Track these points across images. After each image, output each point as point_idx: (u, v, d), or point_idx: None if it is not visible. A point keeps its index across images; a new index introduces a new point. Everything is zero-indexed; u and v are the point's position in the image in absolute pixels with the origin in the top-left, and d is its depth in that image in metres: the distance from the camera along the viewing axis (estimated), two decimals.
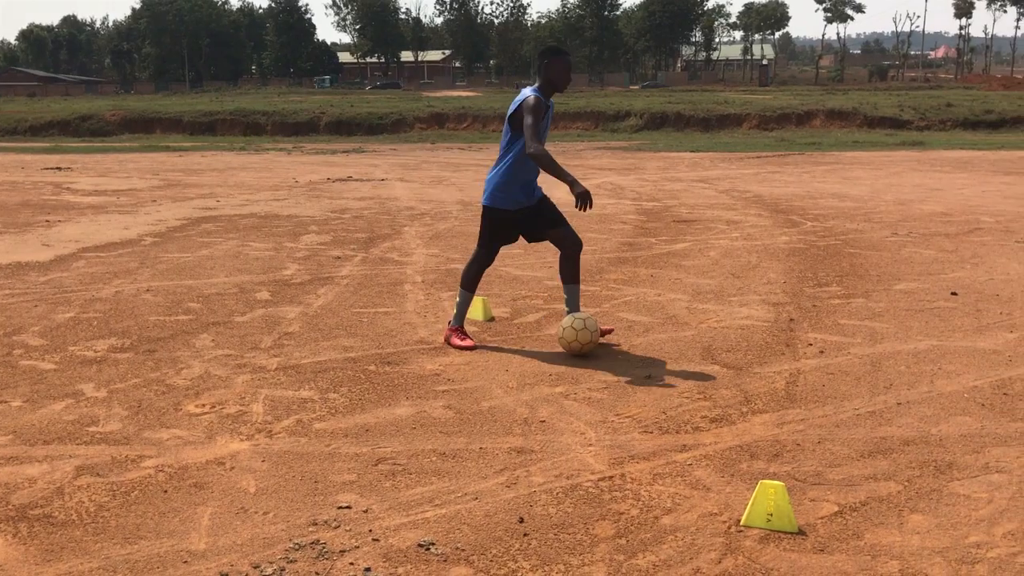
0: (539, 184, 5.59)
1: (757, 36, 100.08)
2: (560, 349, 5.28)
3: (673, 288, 7.08)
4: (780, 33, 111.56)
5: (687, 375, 4.89)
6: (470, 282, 5.53)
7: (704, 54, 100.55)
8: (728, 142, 27.80)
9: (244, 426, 4.14)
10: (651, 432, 4.07)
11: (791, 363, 5.09)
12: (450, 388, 4.68)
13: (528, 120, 5.08)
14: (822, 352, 5.29)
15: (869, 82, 77.53)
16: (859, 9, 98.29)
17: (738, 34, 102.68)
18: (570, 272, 5.53)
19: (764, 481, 3.17)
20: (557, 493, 3.44)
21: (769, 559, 2.95)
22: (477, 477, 3.58)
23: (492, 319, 6.09)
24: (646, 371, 4.96)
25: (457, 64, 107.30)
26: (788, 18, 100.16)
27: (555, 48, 5.40)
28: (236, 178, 16.77)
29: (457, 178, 16.70)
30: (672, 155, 22.85)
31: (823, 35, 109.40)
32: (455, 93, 60.01)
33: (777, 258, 8.33)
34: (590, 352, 5.21)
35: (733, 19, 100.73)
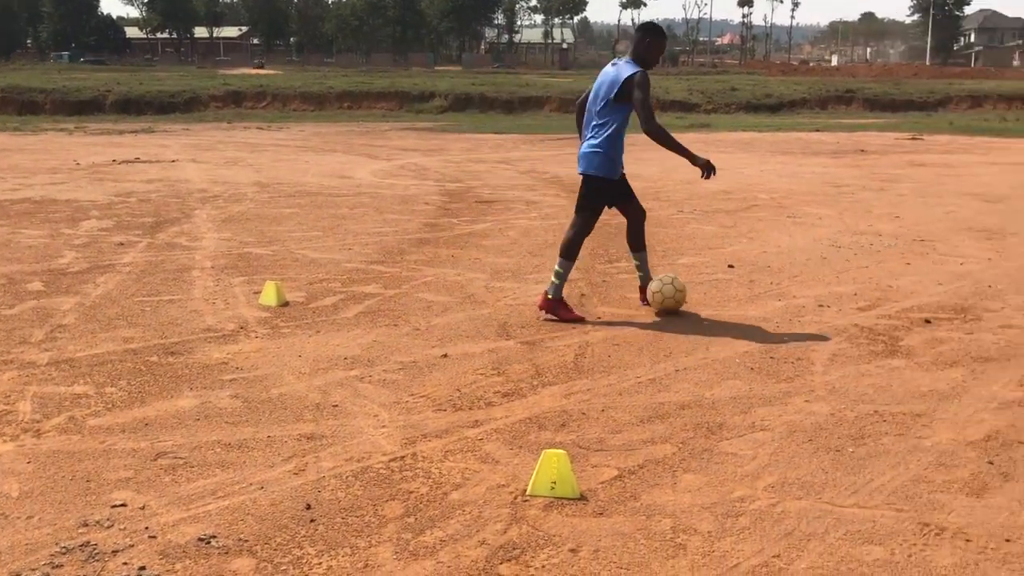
0: None
1: (557, 20, 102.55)
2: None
3: (473, 268, 7.15)
4: (579, 18, 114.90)
5: (482, 352, 4.96)
6: (573, 251, 5.71)
7: (507, 37, 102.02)
8: (530, 124, 28.35)
9: (8, 427, 3.84)
10: (444, 410, 4.10)
11: (581, 336, 5.27)
12: (238, 377, 4.53)
13: (640, 95, 5.33)
14: (609, 324, 5.51)
15: (662, 67, 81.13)
16: None
17: (539, 17, 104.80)
18: (639, 240, 5.94)
19: (547, 450, 3.27)
20: (347, 477, 3.40)
21: (552, 526, 3.05)
22: (264, 466, 3.49)
23: (286, 304, 5.94)
24: (442, 350, 4.99)
25: (255, 41, 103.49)
26: (586, 3, 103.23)
27: (658, 28, 5.65)
28: (8, 160, 15.46)
29: (255, 159, 16.14)
30: (477, 136, 23.05)
31: (619, 20, 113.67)
32: (253, 71, 57.89)
33: None
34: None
35: (534, 2, 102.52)
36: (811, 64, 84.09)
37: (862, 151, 18.33)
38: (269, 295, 5.92)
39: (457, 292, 6.34)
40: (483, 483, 3.36)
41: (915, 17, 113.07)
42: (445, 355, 4.90)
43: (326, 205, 10.47)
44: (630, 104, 5.43)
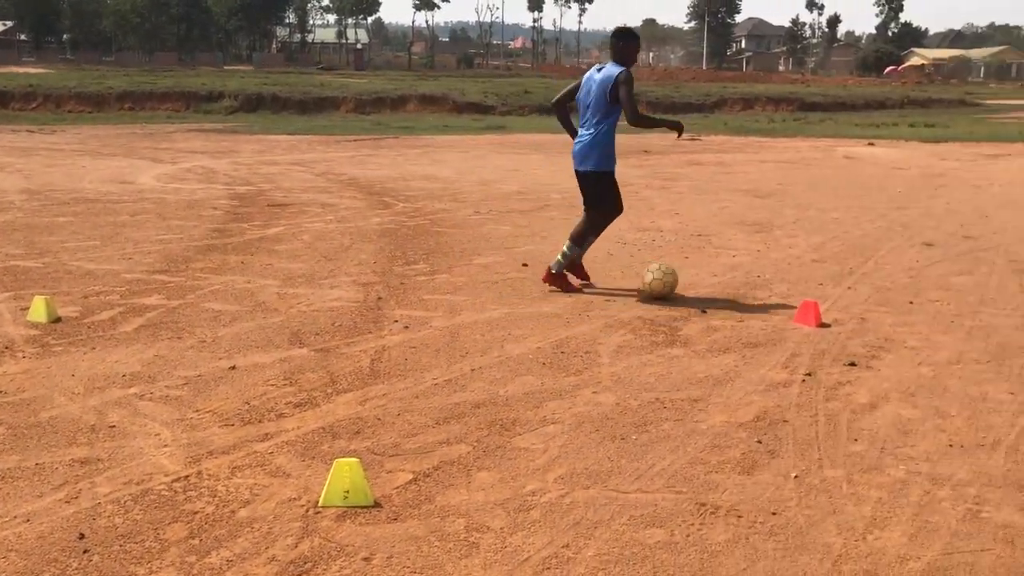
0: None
1: (351, 20, 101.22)
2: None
3: (264, 274, 6.94)
4: (373, 18, 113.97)
5: (273, 362, 4.82)
6: (583, 240, 6.52)
7: (299, 36, 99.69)
8: (326, 125, 27.87)
9: None
10: (232, 424, 3.95)
11: (377, 340, 5.22)
12: (2, 401, 4.17)
13: (625, 92, 6.11)
14: (407, 327, 5.50)
15: (458, 69, 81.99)
16: None
17: (332, 17, 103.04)
18: (580, 236, 6.54)
19: (339, 460, 3.22)
20: (125, 502, 3.21)
21: (345, 535, 3.00)
22: (31, 497, 3.23)
23: (58, 320, 5.53)
24: (230, 362, 4.80)
25: (23, 37, 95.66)
26: (379, 3, 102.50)
27: (631, 32, 6.61)
28: None
29: (24, 164, 14.95)
30: (269, 138, 22.41)
31: (413, 22, 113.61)
32: (22, 69, 53.54)
33: (369, 239, 8.51)
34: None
35: (326, 2, 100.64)
36: None
37: (646, 152, 19.26)
38: (38, 311, 5.50)
39: (247, 300, 6.13)
40: (273, 498, 3.26)
41: (692, 24, 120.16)
42: (233, 367, 4.72)
43: (104, 212, 9.85)
44: (619, 105, 6.20)
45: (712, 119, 34.15)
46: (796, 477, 3.46)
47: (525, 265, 7.37)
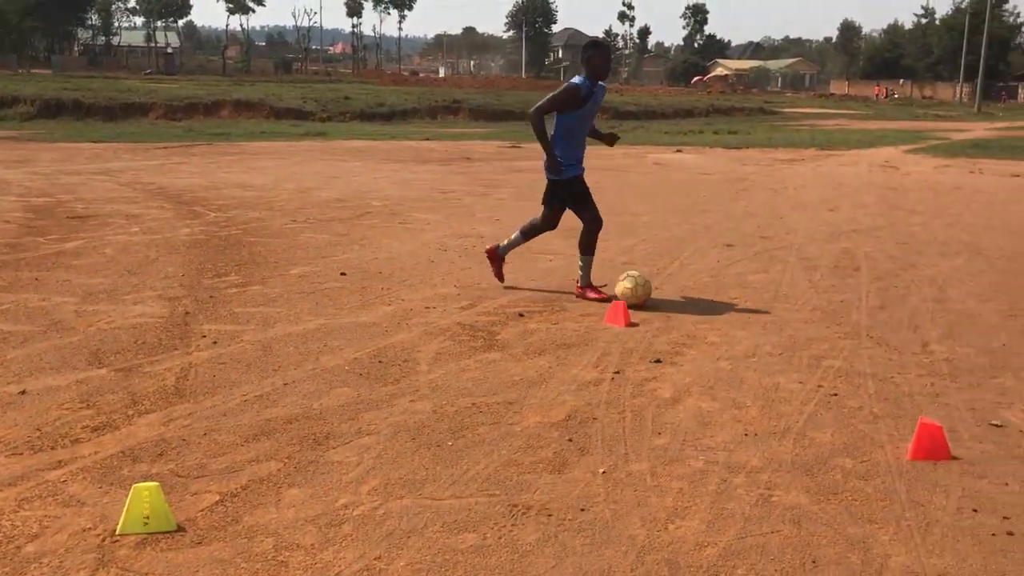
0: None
1: (160, 23, 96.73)
2: None
3: (61, 291, 6.51)
4: (184, 21, 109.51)
5: (69, 385, 4.53)
6: (585, 248, 6.82)
7: (103, 38, 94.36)
8: (134, 132, 26.48)
9: None
10: (21, 454, 3.68)
11: (183, 358, 5.01)
12: None
13: (549, 95, 6.54)
14: (215, 343, 5.30)
15: (275, 74, 79.93)
16: (259, 1, 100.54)
17: (139, 19, 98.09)
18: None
19: (137, 485, 3.06)
20: None
21: (145, 563, 2.85)
22: None
23: None
24: (20, 386, 4.48)
25: None
26: (190, 6, 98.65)
27: (596, 42, 6.60)
28: None
29: None
30: (71, 146, 21.06)
31: (227, 25, 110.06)
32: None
33: (177, 251, 8.15)
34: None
35: (132, 3, 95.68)
36: (421, 75, 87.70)
37: (468, 159, 19.44)
38: None
39: (40, 319, 5.73)
40: (65, 529, 3.06)
41: (511, 33, 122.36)
42: (23, 391, 4.40)
43: None
44: (572, 113, 6.47)
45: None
46: (604, 473, 3.58)
47: (343, 274, 7.27)
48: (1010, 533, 3.13)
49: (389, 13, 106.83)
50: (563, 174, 6.68)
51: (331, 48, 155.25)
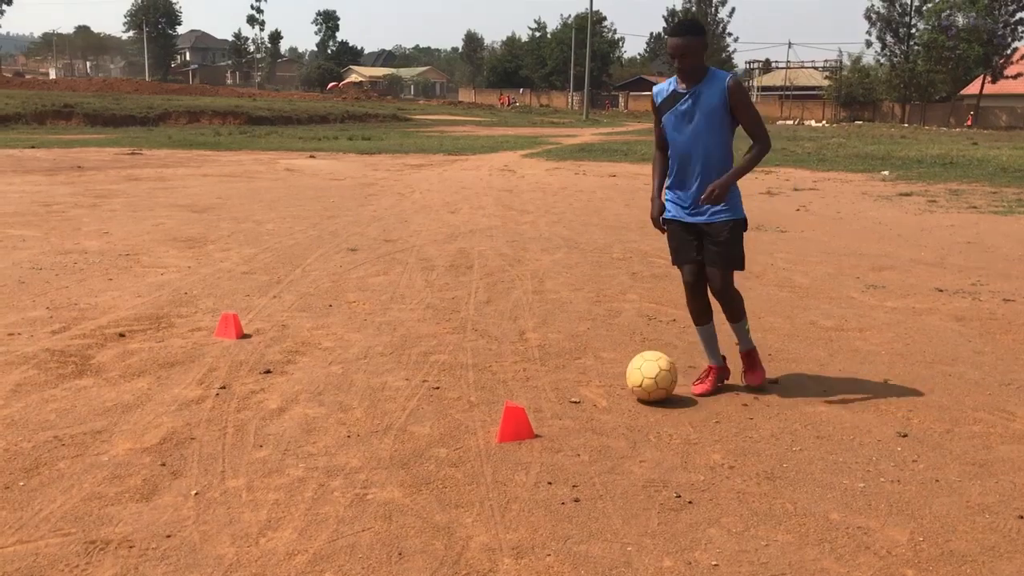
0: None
1: None
2: None
3: None
4: None
5: None
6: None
7: None
8: None
9: None
10: None
11: None
12: None
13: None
14: None
15: None
16: None
17: None
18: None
19: None
20: None
21: None
22: None
23: None
24: None
25: None
26: None
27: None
28: None
29: None
30: None
31: None
32: None
33: None
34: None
35: None
36: (27, 77, 79.01)
37: (79, 167, 17.88)
38: None
39: None
40: None
41: (131, 33, 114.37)
42: None
43: None
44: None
45: (156, 132, 32.86)
46: (197, 494, 3.44)
47: None
48: (576, 500, 3.46)
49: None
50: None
51: None
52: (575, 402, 4.60)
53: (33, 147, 23.55)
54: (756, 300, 7.06)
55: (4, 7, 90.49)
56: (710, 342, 4.87)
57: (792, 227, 11.24)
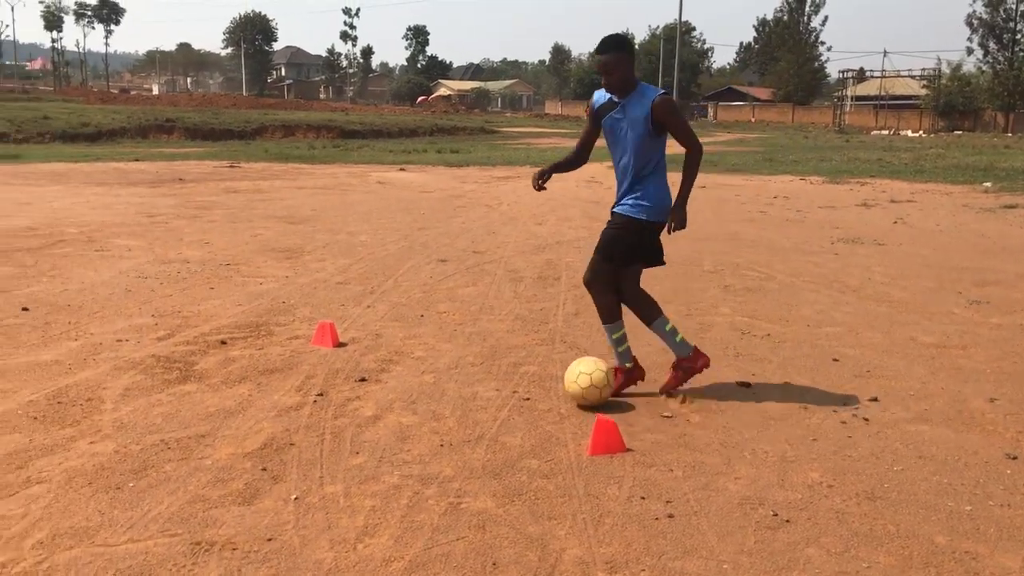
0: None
1: None
2: None
3: None
4: None
5: None
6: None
7: None
8: None
9: None
10: None
11: None
12: None
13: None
14: None
15: None
16: None
17: None
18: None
19: None
20: None
21: None
22: None
23: None
24: None
25: None
26: None
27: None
28: None
29: None
30: None
31: None
32: None
33: None
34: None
35: None
36: (132, 93, 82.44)
37: (181, 180, 18.53)
38: None
39: None
40: None
41: (229, 50, 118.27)
42: None
43: None
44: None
45: (253, 146, 33.85)
46: (296, 499, 3.53)
47: (25, 309, 6.66)
48: (670, 516, 3.43)
49: (94, 27, 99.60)
50: None
51: (28, 64, 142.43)
52: (667, 416, 4.57)
53: (137, 160, 24.51)
54: (853, 315, 6.89)
55: (112, 27, 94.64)
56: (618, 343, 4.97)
57: (889, 240, 10.93)
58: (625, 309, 5.04)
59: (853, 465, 3.96)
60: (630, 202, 4.84)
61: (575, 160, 5.21)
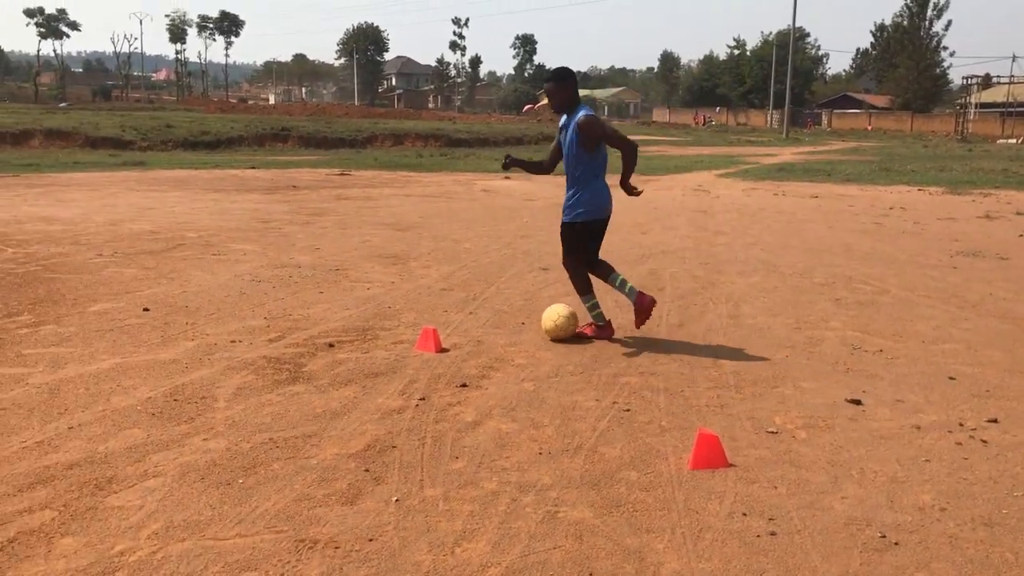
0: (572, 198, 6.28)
1: None
2: None
3: None
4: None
5: None
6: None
7: None
8: None
9: None
10: None
11: None
12: None
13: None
14: None
15: (93, 101, 76.12)
16: (74, 27, 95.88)
17: None
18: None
19: None
20: None
21: None
22: None
23: None
24: None
25: None
26: None
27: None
28: None
29: None
30: None
31: (39, 50, 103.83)
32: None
33: None
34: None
35: None
36: (249, 102, 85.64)
37: (294, 187, 19.11)
38: None
39: None
40: None
41: (342, 60, 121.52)
42: None
43: None
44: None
45: (363, 154, 34.67)
46: (397, 501, 3.59)
47: (146, 310, 6.98)
48: (773, 533, 3.35)
49: (215, 39, 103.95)
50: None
51: (154, 75, 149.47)
52: (772, 432, 4.46)
53: (253, 167, 25.41)
54: (973, 332, 6.60)
55: (232, 39, 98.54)
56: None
57: (1014, 254, 10.42)
58: (601, 286, 6.61)
59: (969, 489, 3.79)
60: (567, 211, 6.24)
61: (543, 166, 6.46)
